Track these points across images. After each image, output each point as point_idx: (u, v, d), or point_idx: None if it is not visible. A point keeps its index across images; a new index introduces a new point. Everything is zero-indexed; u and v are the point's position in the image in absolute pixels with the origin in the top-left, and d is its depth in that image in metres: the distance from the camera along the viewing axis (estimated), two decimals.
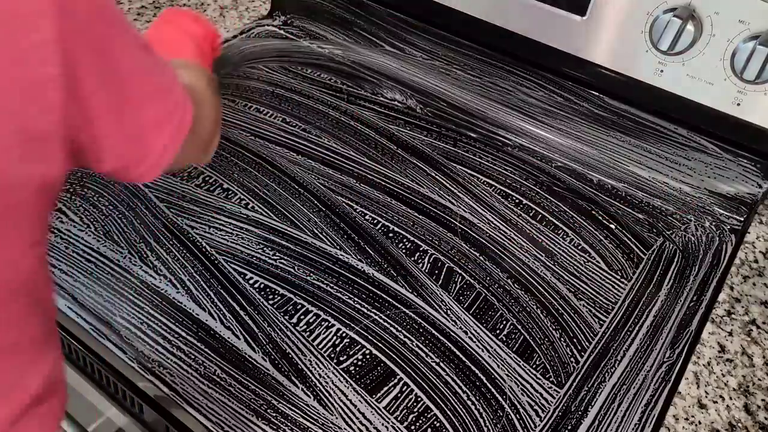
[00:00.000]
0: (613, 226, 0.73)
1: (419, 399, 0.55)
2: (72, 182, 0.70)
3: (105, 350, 0.57)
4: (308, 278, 0.63)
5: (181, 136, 0.42)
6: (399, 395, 0.55)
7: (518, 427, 0.54)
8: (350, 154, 0.78)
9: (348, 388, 0.55)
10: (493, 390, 0.56)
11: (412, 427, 0.53)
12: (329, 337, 0.59)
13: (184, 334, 0.58)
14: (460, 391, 0.56)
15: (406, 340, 0.59)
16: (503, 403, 0.55)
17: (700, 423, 0.55)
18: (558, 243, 0.70)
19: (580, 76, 0.78)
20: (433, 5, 0.83)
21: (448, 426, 0.54)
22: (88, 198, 0.69)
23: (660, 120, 0.76)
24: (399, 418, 0.54)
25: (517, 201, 0.74)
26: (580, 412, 0.56)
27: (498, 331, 0.61)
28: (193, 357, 0.56)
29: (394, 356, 0.58)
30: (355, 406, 0.54)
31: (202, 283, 0.62)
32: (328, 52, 0.94)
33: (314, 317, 0.60)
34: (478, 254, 0.67)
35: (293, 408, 0.54)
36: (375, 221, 0.70)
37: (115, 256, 0.63)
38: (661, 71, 0.71)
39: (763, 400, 0.57)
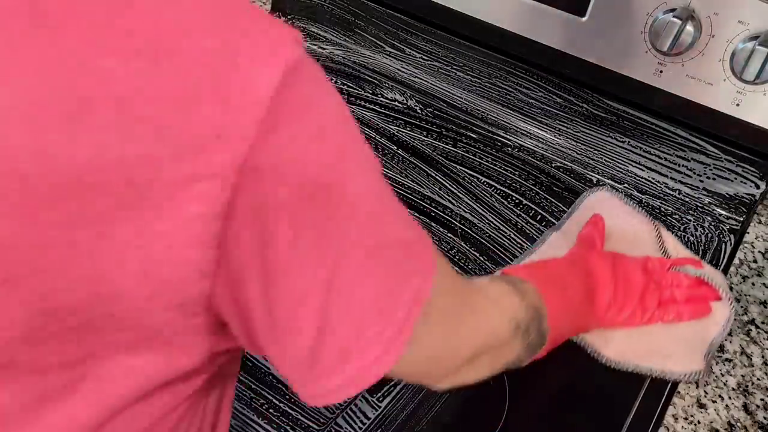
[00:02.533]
0: None
1: (420, 399, 0.55)
2: None
3: None
4: None
5: (368, 379, 0.30)
6: (399, 395, 0.55)
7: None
8: None
9: None
10: (493, 389, 0.56)
11: (414, 427, 0.53)
12: None
13: None
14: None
15: None
16: (504, 401, 0.56)
17: (699, 422, 0.55)
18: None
19: (579, 77, 0.79)
20: (434, 6, 0.83)
21: (450, 426, 0.54)
22: None
23: (659, 120, 0.76)
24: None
25: (517, 201, 0.75)
26: None
27: None
28: None
29: None
30: (356, 406, 0.54)
31: None
32: (328, 52, 0.94)
33: None
34: (478, 254, 0.68)
35: (294, 407, 0.54)
36: None
37: None
38: (661, 72, 0.72)
39: (762, 399, 0.57)
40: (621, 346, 0.55)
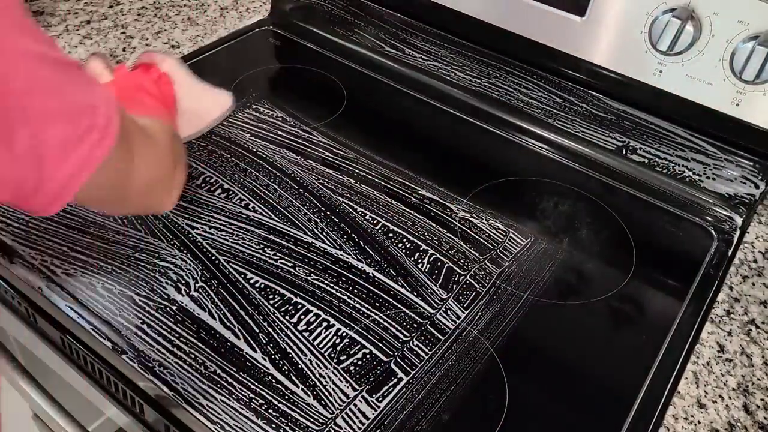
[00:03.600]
0: (612, 227, 0.73)
1: (419, 399, 0.55)
2: None
3: (105, 350, 0.57)
4: (308, 278, 0.63)
5: (93, 164, 0.38)
6: (399, 395, 0.55)
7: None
8: (350, 154, 0.78)
9: (348, 387, 0.55)
10: (493, 389, 0.56)
11: (414, 428, 0.53)
12: (329, 336, 0.59)
13: (184, 333, 0.58)
14: (463, 391, 0.56)
15: (406, 339, 0.59)
16: (504, 401, 0.56)
17: (699, 423, 0.55)
18: (557, 243, 0.70)
19: (579, 77, 0.79)
20: (433, 6, 0.83)
21: (450, 426, 0.54)
22: None
23: (659, 120, 0.76)
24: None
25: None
26: None
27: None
28: (193, 356, 0.56)
29: (394, 356, 0.58)
30: (356, 406, 0.54)
31: (202, 283, 0.62)
32: (328, 52, 0.94)
33: (314, 317, 0.60)
34: (478, 254, 0.67)
35: (293, 407, 0.54)
36: (375, 221, 0.70)
37: (116, 256, 0.63)
38: (661, 72, 0.72)
39: (762, 399, 0.57)
40: (183, 129, 0.66)
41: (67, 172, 0.37)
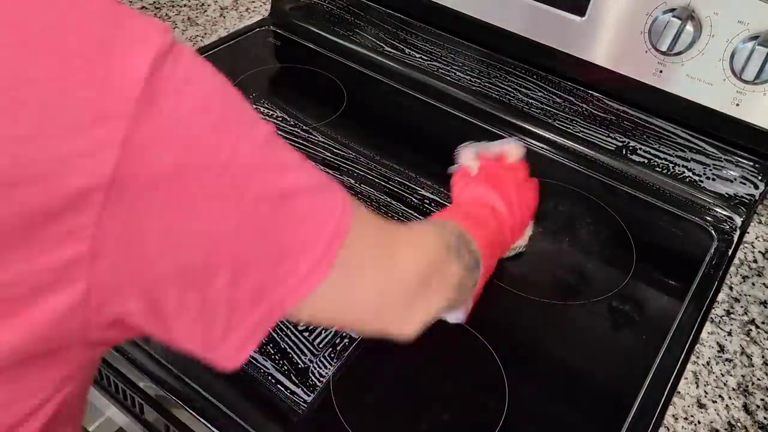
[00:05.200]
0: (612, 227, 0.73)
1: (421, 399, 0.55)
2: None
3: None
4: None
5: (283, 309, 0.32)
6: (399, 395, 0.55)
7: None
8: (350, 154, 0.78)
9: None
10: (493, 389, 0.56)
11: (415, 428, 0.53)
12: (329, 337, 0.59)
13: None
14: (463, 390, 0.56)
15: None
16: (504, 401, 0.56)
17: (699, 422, 0.55)
18: (557, 243, 0.70)
19: (579, 77, 0.79)
20: (433, 6, 0.83)
21: (450, 426, 0.54)
22: None
23: (659, 120, 0.76)
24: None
25: None
26: None
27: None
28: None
29: (393, 356, 0.58)
30: None
31: None
32: (328, 52, 0.94)
33: None
34: None
35: (293, 408, 0.54)
36: None
37: None
38: (661, 72, 0.72)
39: (762, 399, 0.57)
40: None
41: (255, 319, 0.32)
